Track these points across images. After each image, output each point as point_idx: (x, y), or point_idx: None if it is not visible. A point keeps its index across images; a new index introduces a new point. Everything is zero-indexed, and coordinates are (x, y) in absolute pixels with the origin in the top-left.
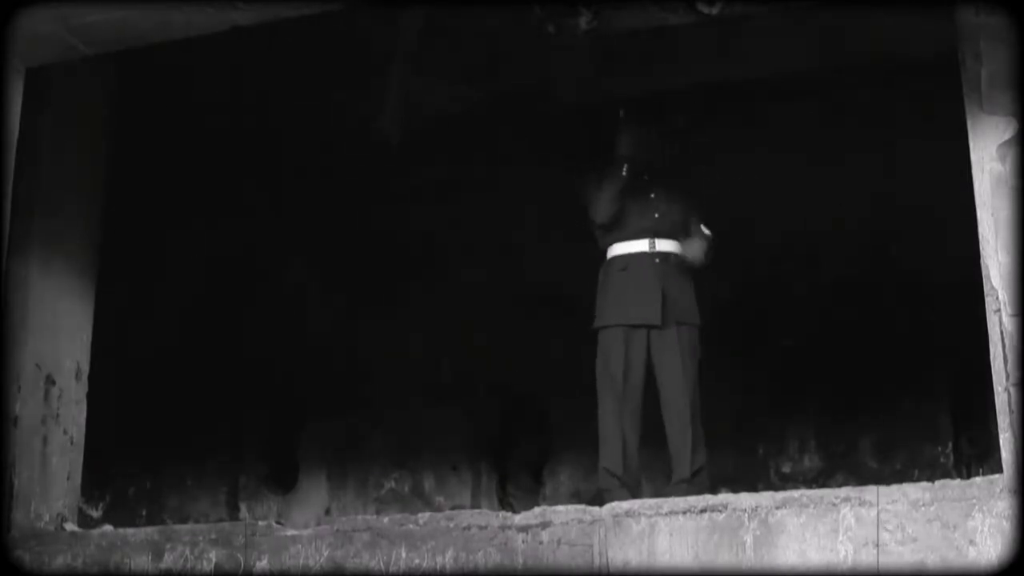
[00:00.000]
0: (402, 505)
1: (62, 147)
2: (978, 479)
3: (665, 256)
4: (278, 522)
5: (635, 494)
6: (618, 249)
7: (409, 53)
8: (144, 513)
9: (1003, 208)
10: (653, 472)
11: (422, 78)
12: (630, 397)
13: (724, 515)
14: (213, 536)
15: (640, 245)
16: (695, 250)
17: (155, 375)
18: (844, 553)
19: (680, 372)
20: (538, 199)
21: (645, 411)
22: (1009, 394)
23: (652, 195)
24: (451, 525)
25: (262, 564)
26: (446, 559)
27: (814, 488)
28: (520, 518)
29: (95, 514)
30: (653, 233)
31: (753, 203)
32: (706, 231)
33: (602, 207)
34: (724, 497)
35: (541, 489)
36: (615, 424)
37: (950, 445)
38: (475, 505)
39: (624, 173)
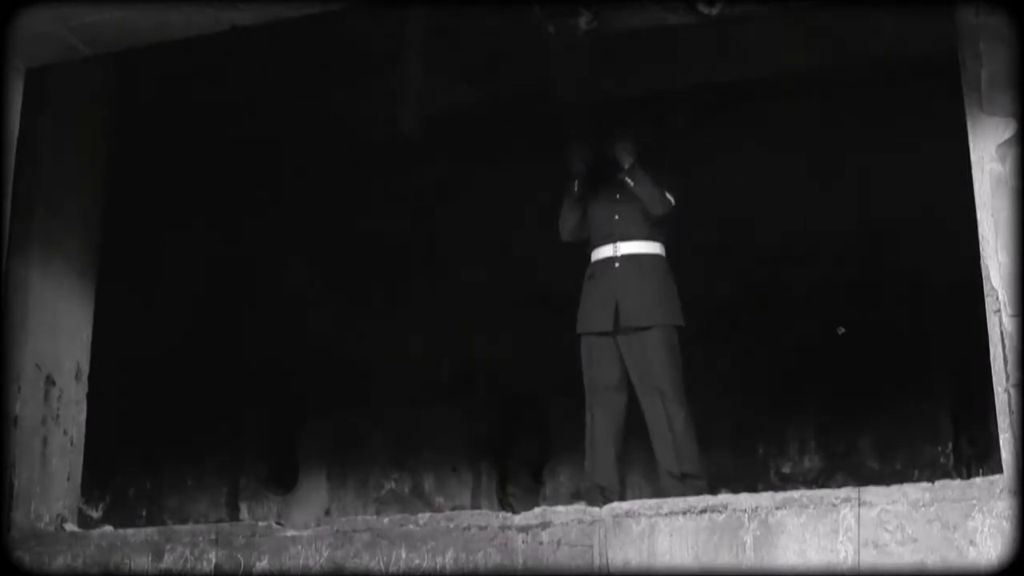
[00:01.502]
0: (402, 505)
1: (62, 147)
2: (978, 479)
3: (626, 259)
4: (278, 522)
5: (607, 498)
6: (591, 257)
7: (419, 49)
8: (144, 513)
9: (1003, 208)
10: (653, 472)
11: (423, 78)
12: (604, 402)
13: (724, 515)
14: (213, 536)
15: (604, 251)
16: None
17: (155, 375)
18: (844, 553)
19: (646, 377)
20: (538, 199)
21: (630, 416)
22: (1009, 394)
23: (618, 196)
24: (451, 525)
25: (262, 564)
26: (446, 559)
27: (814, 488)
28: (520, 518)
29: (95, 514)
30: (615, 237)
31: (753, 203)
32: (667, 196)
33: (561, 225)
34: (724, 497)
35: (541, 489)
36: (589, 427)
37: (950, 445)
38: (475, 505)
39: (576, 189)
